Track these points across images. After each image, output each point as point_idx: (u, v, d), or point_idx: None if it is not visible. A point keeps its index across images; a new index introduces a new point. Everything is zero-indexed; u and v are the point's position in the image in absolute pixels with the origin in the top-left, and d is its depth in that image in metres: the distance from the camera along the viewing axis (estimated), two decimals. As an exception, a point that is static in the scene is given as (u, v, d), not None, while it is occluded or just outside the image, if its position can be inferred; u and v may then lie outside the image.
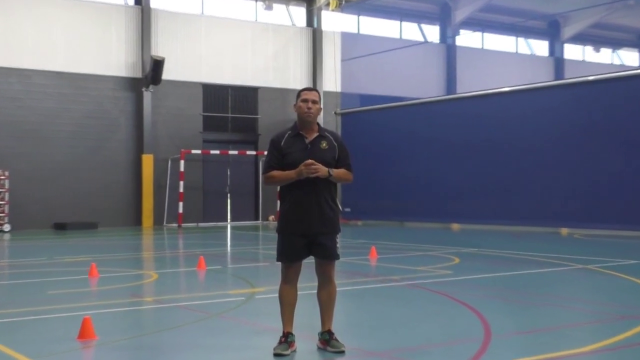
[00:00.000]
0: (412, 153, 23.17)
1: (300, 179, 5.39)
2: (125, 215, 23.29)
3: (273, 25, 26.43)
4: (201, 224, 24.04)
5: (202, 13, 25.20)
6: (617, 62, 36.67)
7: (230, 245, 17.27)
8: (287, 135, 5.59)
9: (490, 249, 14.55)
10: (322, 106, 5.67)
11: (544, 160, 19.53)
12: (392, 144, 23.76)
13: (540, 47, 35.12)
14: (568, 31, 34.43)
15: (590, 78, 19.49)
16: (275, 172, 5.50)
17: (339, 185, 5.75)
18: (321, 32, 27.29)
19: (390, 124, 24.07)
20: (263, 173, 5.68)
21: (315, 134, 5.58)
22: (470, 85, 28.17)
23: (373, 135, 24.28)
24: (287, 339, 5.52)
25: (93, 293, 9.21)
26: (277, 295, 5.67)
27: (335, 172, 5.49)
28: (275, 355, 5.44)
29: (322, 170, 5.39)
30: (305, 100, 5.54)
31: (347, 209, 24.24)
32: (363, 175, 21.23)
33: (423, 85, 29.32)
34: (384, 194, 23.92)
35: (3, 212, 21.14)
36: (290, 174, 5.43)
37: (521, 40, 34.47)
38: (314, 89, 5.73)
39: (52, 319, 7.19)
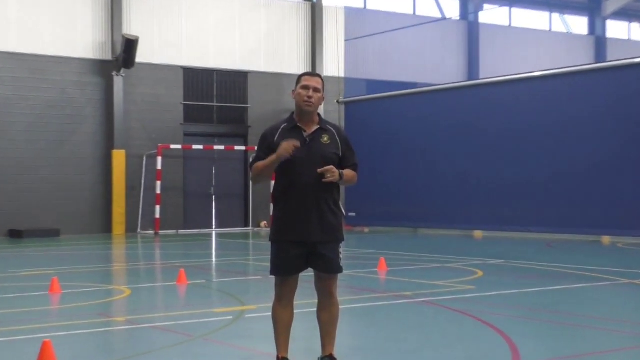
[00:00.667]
0: (426, 149, 23.16)
1: (281, 160, 5.34)
2: (92, 221, 23.29)
3: (265, -1, 26.47)
4: (181, 232, 24.06)
5: (183, -15, 25.22)
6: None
7: (216, 256, 17.28)
8: (282, 128, 5.58)
9: (519, 260, 14.55)
10: (324, 95, 5.65)
11: (582, 157, 19.52)
12: (403, 138, 23.76)
13: (579, 24, 35.16)
14: (611, 5, 34.46)
15: (637, 60, 19.50)
16: (259, 163, 5.50)
17: (341, 187, 5.74)
18: (322, 7, 27.30)
19: (402, 115, 24.08)
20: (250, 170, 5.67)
21: (316, 127, 5.58)
22: (495, 69, 28.22)
23: (381, 128, 24.28)
24: (281, 365, 5.53)
25: (54, 312, 9.21)
26: (270, 314, 5.66)
27: (344, 174, 5.49)
28: (268, 384, 5.46)
29: (336, 175, 5.38)
30: (306, 88, 5.53)
31: (352, 214, 24.27)
32: (370, 175, 21.28)
33: (440, 69, 29.37)
34: (394, 196, 23.93)
35: (-51, 217, 21.22)
36: (270, 158, 5.41)
37: (555, 16, 34.52)
38: (317, 74, 5.71)
39: (7, 342, 7.18)
